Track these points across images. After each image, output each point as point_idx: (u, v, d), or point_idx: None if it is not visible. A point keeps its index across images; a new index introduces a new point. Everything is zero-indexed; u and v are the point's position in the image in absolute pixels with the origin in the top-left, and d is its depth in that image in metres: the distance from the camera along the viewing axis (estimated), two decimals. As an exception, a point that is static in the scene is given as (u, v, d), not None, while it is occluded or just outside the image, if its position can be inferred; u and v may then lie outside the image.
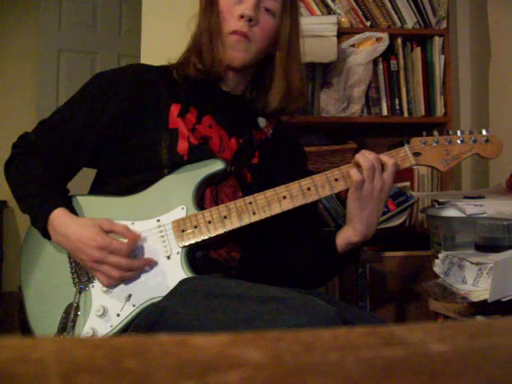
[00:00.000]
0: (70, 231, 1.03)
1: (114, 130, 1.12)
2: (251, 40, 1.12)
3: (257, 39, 1.12)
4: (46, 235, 1.08)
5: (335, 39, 1.93)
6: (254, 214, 1.06)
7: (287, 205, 1.06)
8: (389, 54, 2.10)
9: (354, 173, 1.05)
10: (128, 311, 1.03)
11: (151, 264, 1.04)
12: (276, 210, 1.06)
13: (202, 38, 1.14)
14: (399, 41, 2.11)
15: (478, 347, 0.27)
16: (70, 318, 1.04)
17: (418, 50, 2.12)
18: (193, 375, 0.23)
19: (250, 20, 1.10)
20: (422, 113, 2.09)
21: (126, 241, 1.03)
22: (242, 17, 1.10)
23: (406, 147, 1.10)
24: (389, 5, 2.09)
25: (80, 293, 1.06)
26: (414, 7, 2.10)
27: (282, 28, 1.16)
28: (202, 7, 1.19)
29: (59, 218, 1.05)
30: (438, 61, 2.11)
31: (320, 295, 1.01)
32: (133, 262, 1.03)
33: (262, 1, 1.12)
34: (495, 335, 0.29)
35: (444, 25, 2.11)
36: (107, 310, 1.04)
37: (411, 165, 1.10)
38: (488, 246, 1.25)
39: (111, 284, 1.04)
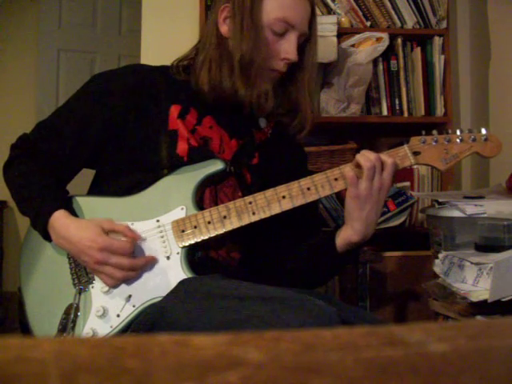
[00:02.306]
0: (71, 234, 1.03)
1: (113, 131, 1.12)
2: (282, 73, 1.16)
3: (286, 71, 1.16)
4: (47, 237, 1.08)
5: (335, 39, 1.93)
6: (253, 213, 1.05)
7: (287, 204, 1.06)
8: (389, 53, 2.10)
9: (347, 170, 1.05)
10: (128, 312, 1.03)
11: (153, 262, 1.05)
12: (276, 209, 1.06)
13: (236, 63, 1.11)
14: (399, 41, 2.11)
15: (477, 347, 0.27)
16: (69, 318, 1.04)
17: (418, 50, 2.12)
18: (193, 375, 0.23)
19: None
20: (422, 113, 2.09)
21: (126, 240, 1.03)
22: (286, 59, 1.13)
23: (406, 146, 1.10)
24: (389, 5, 2.09)
25: (80, 293, 1.06)
26: (413, 7, 2.10)
27: (308, 55, 1.19)
28: (238, 25, 1.11)
29: (59, 220, 1.05)
30: (438, 61, 2.11)
31: (320, 295, 1.01)
32: (135, 262, 1.03)
33: (299, 38, 1.14)
34: (495, 335, 0.29)
35: (444, 25, 2.11)
36: (107, 311, 1.04)
37: (411, 164, 1.10)
38: (488, 246, 1.25)
39: (115, 284, 1.04)
